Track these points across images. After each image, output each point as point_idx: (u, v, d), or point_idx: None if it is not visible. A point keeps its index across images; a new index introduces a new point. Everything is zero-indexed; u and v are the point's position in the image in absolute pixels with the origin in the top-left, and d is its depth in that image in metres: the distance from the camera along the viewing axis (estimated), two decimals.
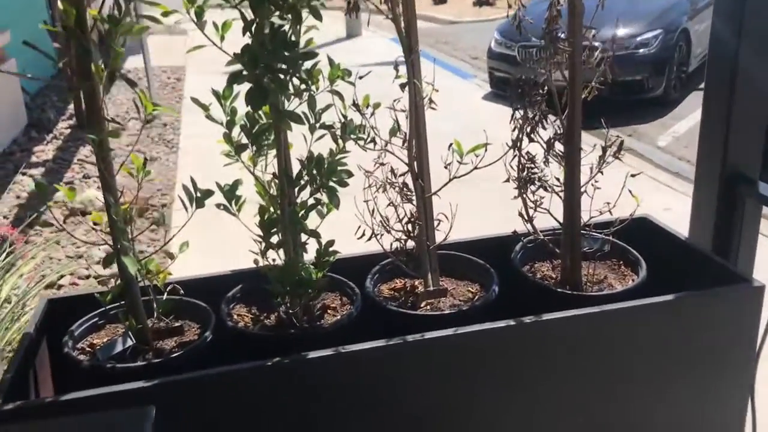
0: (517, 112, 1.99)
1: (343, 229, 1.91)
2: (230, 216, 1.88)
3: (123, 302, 1.78)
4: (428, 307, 1.97)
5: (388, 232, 2.01)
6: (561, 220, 2.06)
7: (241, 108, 1.79)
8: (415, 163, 1.98)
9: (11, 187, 5.13)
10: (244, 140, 1.84)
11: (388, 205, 2.00)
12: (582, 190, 2.02)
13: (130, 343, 1.75)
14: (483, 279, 2.07)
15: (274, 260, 1.90)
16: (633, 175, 2.03)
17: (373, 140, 1.95)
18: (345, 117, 1.90)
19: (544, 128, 2.00)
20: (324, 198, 1.86)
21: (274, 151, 1.85)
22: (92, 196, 4.80)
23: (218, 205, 1.85)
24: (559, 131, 2.00)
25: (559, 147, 2.01)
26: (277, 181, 1.85)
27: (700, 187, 2.18)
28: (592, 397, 1.85)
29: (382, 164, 1.98)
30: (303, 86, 1.77)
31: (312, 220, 1.89)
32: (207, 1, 1.68)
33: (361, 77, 1.88)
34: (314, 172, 1.84)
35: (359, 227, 1.94)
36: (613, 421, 1.89)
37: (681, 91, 7.65)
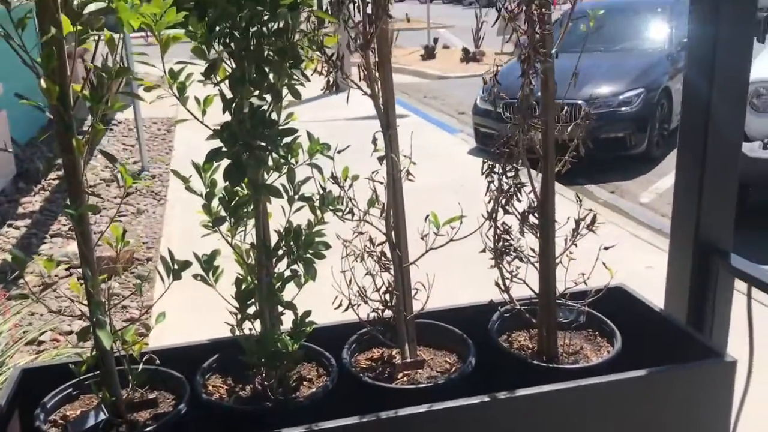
0: (492, 174, 2.03)
1: (321, 297, 1.92)
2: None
3: (98, 371, 1.78)
4: (405, 378, 1.97)
5: (365, 302, 2.02)
6: (537, 290, 2.08)
7: (222, 179, 1.82)
8: (393, 233, 2.01)
9: None
10: (223, 212, 1.86)
11: (366, 274, 2.02)
12: (557, 261, 2.05)
13: (103, 416, 1.74)
14: (460, 349, 2.08)
15: (251, 329, 1.90)
16: (606, 248, 2.07)
17: (350, 211, 1.98)
18: (324, 189, 1.93)
19: (519, 200, 2.05)
20: (301, 270, 1.88)
21: (253, 221, 1.87)
22: (77, 251, 4.79)
23: (195, 276, 1.87)
24: (533, 204, 2.04)
25: (533, 219, 2.05)
26: (255, 251, 1.87)
27: (674, 260, 2.21)
28: None
29: (361, 233, 2.01)
30: (282, 160, 1.80)
31: (290, 289, 1.90)
32: (189, 79, 1.72)
33: (339, 152, 1.92)
34: (291, 244, 1.86)
35: (336, 297, 1.95)
36: None
37: (663, 148, 7.78)
